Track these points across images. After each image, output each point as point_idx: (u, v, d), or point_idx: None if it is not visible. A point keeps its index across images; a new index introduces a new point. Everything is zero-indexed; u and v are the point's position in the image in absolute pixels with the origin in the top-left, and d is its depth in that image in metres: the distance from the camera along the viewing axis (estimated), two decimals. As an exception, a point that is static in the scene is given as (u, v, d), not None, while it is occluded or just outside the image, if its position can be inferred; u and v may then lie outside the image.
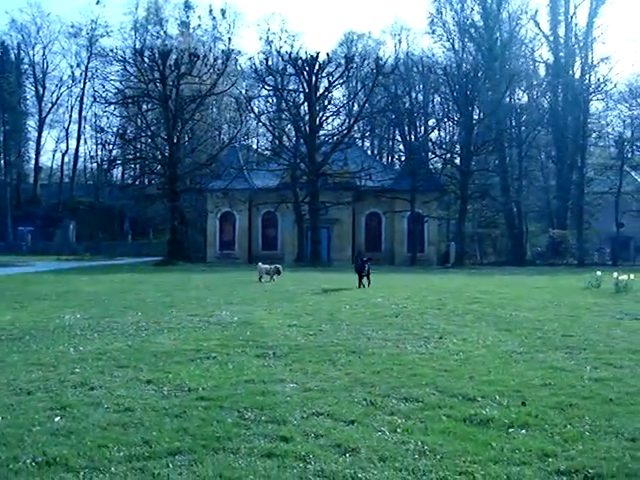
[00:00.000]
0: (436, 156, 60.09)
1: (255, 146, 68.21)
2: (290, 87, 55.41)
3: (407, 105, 56.88)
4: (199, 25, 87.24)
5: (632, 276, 21.62)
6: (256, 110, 57.87)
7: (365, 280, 23.19)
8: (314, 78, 51.19)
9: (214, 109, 64.75)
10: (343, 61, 53.53)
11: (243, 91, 59.54)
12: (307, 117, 52.10)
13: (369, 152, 66.39)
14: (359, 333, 11.77)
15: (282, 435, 5.87)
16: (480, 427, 6.14)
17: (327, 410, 6.65)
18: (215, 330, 12.17)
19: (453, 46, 62.55)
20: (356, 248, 51.09)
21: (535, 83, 62.69)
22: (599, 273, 22.96)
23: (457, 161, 56.99)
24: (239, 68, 65.23)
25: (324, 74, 51.83)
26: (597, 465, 5.10)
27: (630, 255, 56.08)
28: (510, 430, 6.02)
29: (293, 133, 55.76)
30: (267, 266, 26.73)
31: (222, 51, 62.35)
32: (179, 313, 14.79)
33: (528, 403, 6.90)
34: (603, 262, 51.12)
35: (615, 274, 21.57)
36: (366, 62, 57.73)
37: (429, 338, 11.25)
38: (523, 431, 6.00)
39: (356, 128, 61.10)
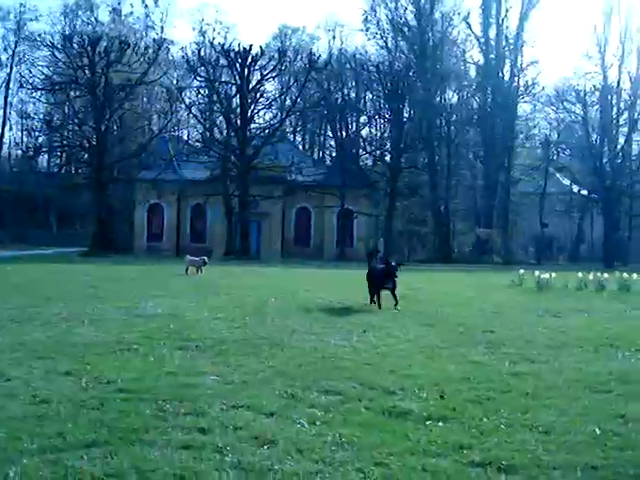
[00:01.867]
0: (366, 152, 60.50)
1: (185, 137, 67.35)
2: (222, 79, 54.99)
3: (339, 101, 57.08)
4: (131, 12, 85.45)
5: (554, 274, 22.16)
6: (187, 101, 57.27)
7: (380, 294, 15.36)
8: (247, 71, 51.01)
9: (144, 98, 63.76)
10: (276, 55, 53.45)
11: (174, 81, 58.76)
12: (239, 110, 51.87)
13: (300, 147, 66.37)
14: (284, 326, 11.76)
15: (200, 427, 5.81)
16: (398, 419, 6.19)
17: (247, 402, 6.61)
18: (138, 322, 11.98)
19: (386, 44, 62.91)
20: (364, 246, 50.08)
21: (465, 84, 63.59)
22: (522, 271, 23.47)
23: (387, 158, 57.50)
24: (171, 58, 64.30)
25: (257, 67, 51.71)
26: (511, 457, 5.19)
27: (553, 254, 57.63)
28: (428, 422, 6.09)
29: (224, 125, 55.38)
30: (195, 258, 26.17)
31: (154, 40, 61.25)
32: (103, 305, 14.51)
33: (447, 396, 7.00)
34: (527, 261, 52.27)
35: (537, 272, 22.11)
36: (299, 56, 57.74)
37: (353, 332, 11.31)
38: (441, 423, 6.07)
39: (288, 122, 61.12)
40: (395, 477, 4.74)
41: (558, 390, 7.42)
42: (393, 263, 15.94)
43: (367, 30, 63.62)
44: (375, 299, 15.28)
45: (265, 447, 5.36)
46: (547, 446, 5.48)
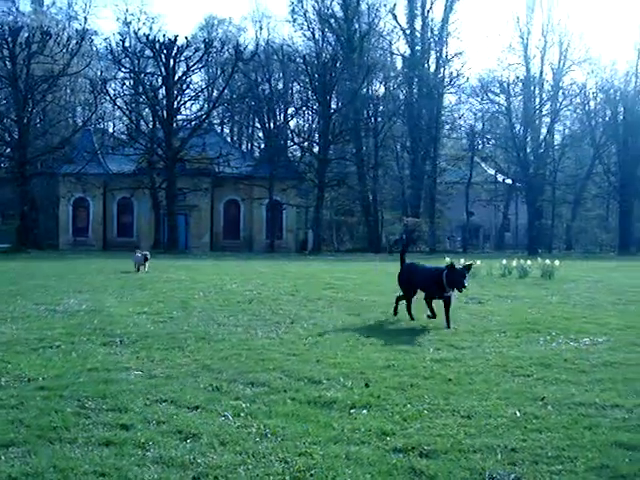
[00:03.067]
0: (295, 144, 60.51)
1: (111, 130, 66.18)
2: (148, 70, 54.22)
3: (266, 92, 56.84)
4: (53, 3, 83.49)
5: (479, 262, 22.51)
6: (112, 93, 56.17)
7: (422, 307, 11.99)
8: (172, 62, 50.49)
9: (67, 90, 62.19)
10: (202, 46, 52.93)
11: (98, 73, 57.56)
12: (165, 101, 51.24)
13: (228, 138, 65.80)
14: (210, 320, 11.67)
15: (122, 423, 5.73)
16: (323, 409, 6.22)
17: (171, 397, 6.55)
18: (61, 318, 11.73)
19: (313, 35, 62.96)
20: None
21: (392, 75, 64.11)
22: (448, 259, 23.75)
23: (315, 149, 57.60)
24: (94, 49, 62.95)
25: (182, 58, 51.26)
26: (433, 442, 5.27)
27: (479, 242, 58.72)
28: (352, 411, 6.13)
29: (150, 117, 54.69)
30: (137, 254, 24.52)
31: (77, 30, 59.87)
32: (24, 302, 14.14)
33: (371, 384, 7.06)
34: (454, 249, 53.18)
35: (462, 260, 22.40)
36: (226, 48, 57.27)
37: (280, 323, 11.31)
38: (365, 411, 6.13)
39: (215, 114, 60.62)
40: (318, 466, 4.76)
41: (480, 375, 7.56)
42: (464, 265, 11.86)
43: (294, 21, 63.61)
44: (413, 310, 11.85)
45: (188, 441, 5.32)
46: (468, 430, 5.59)
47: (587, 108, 62.19)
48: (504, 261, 22.97)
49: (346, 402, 6.38)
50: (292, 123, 61.36)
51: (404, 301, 12.24)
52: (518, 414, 6.02)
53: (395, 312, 12.20)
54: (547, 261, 22.41)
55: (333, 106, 56.70)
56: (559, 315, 12.64)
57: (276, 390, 6.87)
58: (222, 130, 65.68)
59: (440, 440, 5.31)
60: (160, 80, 51.88)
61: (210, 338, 9.83)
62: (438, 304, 11.54)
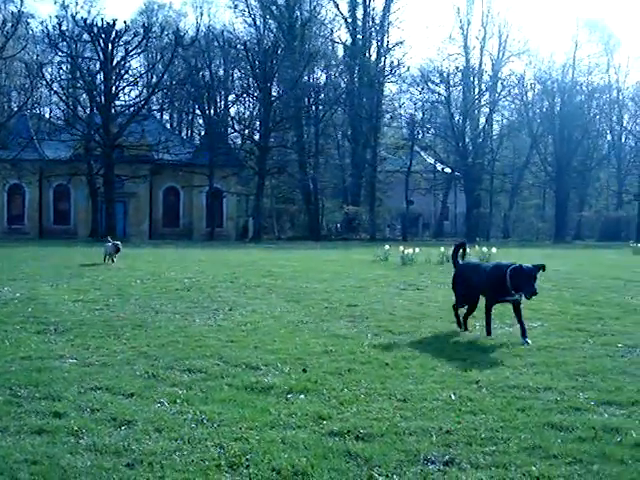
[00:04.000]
0: (235, 131, 60.16)
1: (47, 115, 64.75)
2: (85, 55, 53.21)
3: (207, 79, 56.29)
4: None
5: (417, 250, 22.81)
6: (48, 77, 54.94)
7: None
8: (110, 46, 49.53)
9: (2, 74, 60.63)
10: (142, 30, 52.12)
11: (34, 57, 56.22)
12: (102, 86, 50.32)
13: (167, 125, 65.09)
14: (147, 307, 11.55)
15: (55, 411, 5.62)
16: (260, 394, 6.20)
17: (106, 384, 6.45)
18: (-7, 307, 11.47)
19: (254, 22, 62.56)
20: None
21: (333, 63, 64.12)
22: (387, 247, 24.07)
23: (256, 137, 57.35)
24: (31, 32, 61.44)
25: (121, 43, 50.31)
26: (369, 425, 5.30)
27: (419, 230, 59.31)
28: (289, 396, 6.13)
29: (88, 103, 53.70)
30: (107, 244, 22.28)
31: (12, 13, 58.33)
32: (-45, 290, 13.79)
33: (309, 370, 7.07)
34: (394, 237, 53.57)
35: (401, 248, 22.70)
36: (165, 33, 56.53)
37: (218, 310, 11.27)
38: (302, 396, 6.13)
39: (154, 100, 59.71)
40: (254, 451, 4.74)
41: (417, 360, 7.63)
42: (528, 265, 9.24)
43: (235, 7, 63.12)
44: (462, 318, 9.77)
45: (123, 428, 5.25)
46: (404, 413, 5.64)
47: (525, 99, 63.26)
48: (442, 249, 23.24)
49: (283, 387, 6.38)
50: (233, 110, 61.02)
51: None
52: (453, 397, 6.10)
53: (460, 325, 9.70)
54: (484, 248, 22.77)
55: (274, 93, 56.47)
56: (495, 301, 12.82)
57: (213, 376, 6.83)
58: (161, 116, 64.85)
59: (376, 423, 5.34)
60: (98, 65, 50.93)
61: (147, 325, 9.73)
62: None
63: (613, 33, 76.83)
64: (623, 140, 69.18)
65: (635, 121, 67.64)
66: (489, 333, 9.22)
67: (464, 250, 10.79)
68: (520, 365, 7.42)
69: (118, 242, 22.44)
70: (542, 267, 9.43)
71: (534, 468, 4.46)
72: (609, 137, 69.39)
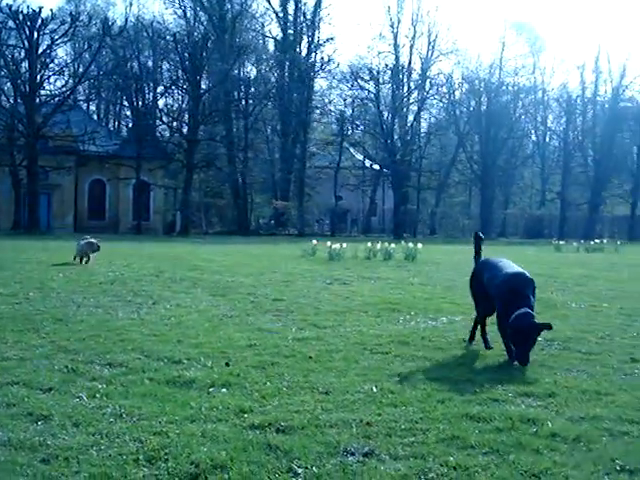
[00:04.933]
0: (163, 123, 59.50)
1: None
2: (10, 42, 51.75)
3: (135, 70, 55.48)
4: None
5: (345, 245, 22.97)
6: (-31, 65, 53.28)
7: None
8: (36, 34, 48.40)
9: None
10: (69, 19, 51.06)
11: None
12: (27, 75, 49.09)
13: (94, 116, 63.84)
14: (69, 301, 11.31)
15: (-32, 407, 5.46)
16: (182, 388, 6.13)
17: (23, 379, 6.28)
18: None
19: (185, 14, 61.86)
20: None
21: (264, 58, 63.93)
22: (315, 242, 24.12)
23: (184, 130, 56.79)
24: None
25: (47, 31, 49.29)
26: (290, 418, 5.29)
27: (347, 226, 59.66)
28: (211, 389, 6.08)
29: (11, 92, 52.26)
30: (93, 241, 19.20)
31: None
32: None
33: (232, 363, 7.02)
34: (322, 232, 53.78)
35: (329, 243, 22.83)
36: (93, 22, 55.45)
37: (142, 304, 11.10)
38: (224, 390, 6.09)
39: (80, 90, 58.64)
40: (173, 444, 4.68)
41: (340, 353, 7.67)
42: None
43: (166, -2, 62.22)
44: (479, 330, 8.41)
45: (39, 423, 5.11)
46: (325, 406, 5.65)
47: (452, 98, 64.25)
48: (369, 244, 23.49)
49: (205, 381, 6.32)
50: (161, 102, 60.32)
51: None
52: (375, 389, 6.14)
53: (482, 340, 8.25)
54: (410, 244, 23.06)
55: (203, 86, 56.03)
56: (419, 295, 13.04)
57: (134, 370, 6.72)
58: (88, 107, 63.55)
59: (297, 416, 5.34)
60: (23, 53, 49.73)
61: (68, 319, 9.52)
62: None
63: (539, 35, 78.56)
64: (547, 140, 71.03)
65: (559, 122, 69.52)
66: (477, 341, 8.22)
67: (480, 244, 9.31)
68: (441, 358, 7.54)
69: (93, 240, 19.17)
70: (548, 326, 7.36)
71: (452, 458, 4.52)
72: (534, 137, 71.14)
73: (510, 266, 8.12)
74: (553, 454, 4.66)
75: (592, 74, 68.20)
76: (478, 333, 8.39)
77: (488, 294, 8.10)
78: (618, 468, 4.42)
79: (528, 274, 7.74)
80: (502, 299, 7.64)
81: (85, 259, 18.63)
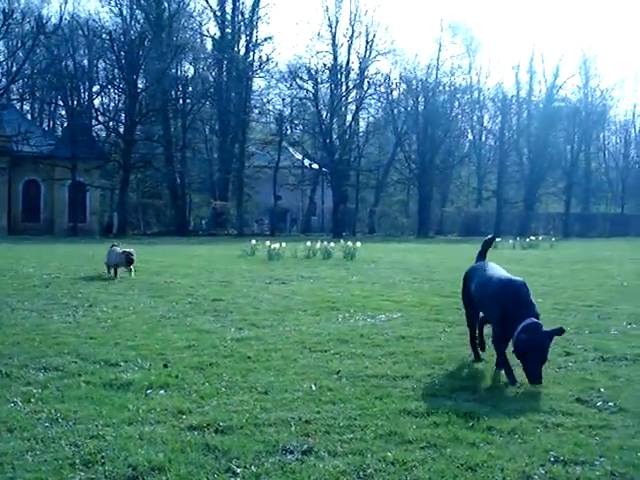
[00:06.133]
0: (99, 123, 58.46)
1: None
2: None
3: (70, 68, 54.44)
4: None
5: (284, 244, 22.99)
6: None
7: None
8: (-34, 32, 47.12)
9: None
10: (1, 16, 49.83)
11: None
12: (-43, 74, 47.83)
13: (28, 115, 62.38)
14: (3, 304, 11.08)
15: None
16: (119, 391, 6.07)
17: (-45, 385, 6.15)
18: None
19: (121, 12, 60.88)
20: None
21: (202, 56, 63.34)
22: (254, 242, 24.07)
23: (121, 129, 55.99)
24: None
25: (-22, 28, 47.96)
26: (228, 418, 5.29)
27: (287, 226, 59.61)
28: (149, 391, 6.04)
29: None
30: (129, 251, 16.37)
31: None
32: None
33: (170, 365, 6.99)
34: (262, 232, 53.64)
35: (268, 242, 22.81)
36: (27, 19, 54.26)
37: (78, 307, 10.95)
38: (162, 392, 6.05)
39: (14, 89, 57.35)
40: (109, 447, 4.64)
41: (279, 352, 7.69)
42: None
43: (102, -4, 61.29)
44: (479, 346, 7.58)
45: (-28, 430, 5.01)
46: (264, 405, 5.66)
47: (390, 97, 64.63)
48: (309, 243, 23.55)
49: (143, 383, 6.27)
50: (97, 101, 59.23)
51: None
52: (314, 387, 6.17)
53: (478, 352, 7.58)
54: (349, 243, 23.19)
55: (140, 85, 55.26)
56: (358, 294, 13.13)
57: (70, 374, 6.63)
58: (22, 106, 62.12)
59: (236, 416, 5.34)
60: (-48, 51, 48.42)
61: (1, 323, 9.34)
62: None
63: (475, 36, 79.41)
64: (483, 139, 72.07)
65: (495, 121, 70.59)
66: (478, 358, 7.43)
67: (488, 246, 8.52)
68: (380, 355, 7.61)
69: (131, 250, 16.40)
70: (560, 331, 6.59)
71: (389, 454, 4.57)
72: (470, 136, 72.06)
73: (504, 273, 7.30)
74: (489, 447, 4.76)
75: (527, 74, 69.48)
76: (488, 340, 7.45)
77: (474, 302, 7.49)
78: (552, 459, 4.54)
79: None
80: (498, 308, 6.76)
81: (117, 270, 16.00)
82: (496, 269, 7.41)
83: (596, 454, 4.63)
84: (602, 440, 4.92)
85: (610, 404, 5.78)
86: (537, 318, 6.47)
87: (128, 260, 15.94)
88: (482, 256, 8.19)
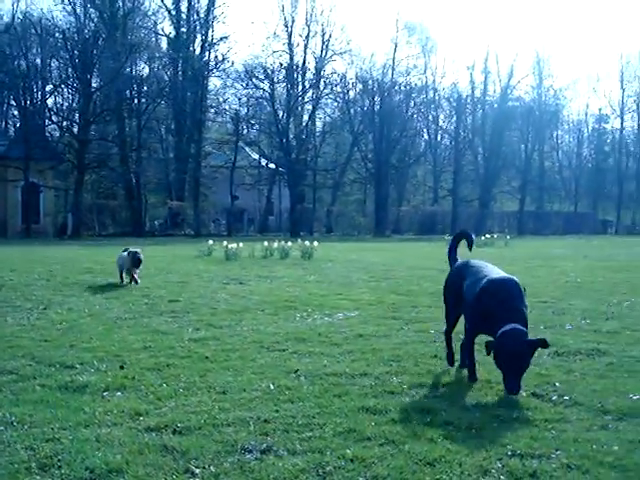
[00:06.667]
0: (53, 123, 57.63)
1: None
2: None
3: (23, 67, 53.60)
4: None
5: (241, 244, 22.92)
6: None
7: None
8: None
9: None
10: (-49, 15, 48.93)
11: None
12: None
13: (-20, 116, 61.37)
14: (-47, 307, 10.88)
15: None
16: (75, 394, 6.00)
17: None
18: None
19: (75, 10, 60.04)
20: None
21: (157, 56, 62.79)
22: (211, 242, 23.97)
23: (75, 129, 55.28)
24: None
25: None
26: (186, 419, 5.26)
27: (244, 226, 59.43)
28: (105, 394, 5.98)
29: None
30: (136, 250, 14.72)
31: None
32: None
33: (126, 366, 6.92)
34: (219, 233, 53.38)
35: (225, 242, 22.73)
36: (-22, 18, 53.34)
37: (32, 309, 10.79)
38: (119, 393, 6.00)
39: (-36, 89, 56.29)
40: (66, 451, 4.58)
41: (237, 352, 7.67)
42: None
43: (55, -6, 60.42)
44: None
45: None
46: (222, 405, 5.64)
47: (347, 97, 64.82)
48: (266, 243, 23.52)
49: (99, 385, 6.21)
50: (50, 101, 58.35)
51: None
52: (272, 387, 6.17)
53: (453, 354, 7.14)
54: (307, 243, 23.21)
55: (94, 85, 54.61)
56: (316, 293, 13.16)
57: (25, 377, 6.54)
58: (-29, 107, 61.08)
59: (194, 417, 5.31)
60: None
61: (-48, 327, 9.16)
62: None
63: (430, 36, 79.86)
64: (439, 138, 72.66)
65: (450, 120, 71.19)
66: (472, 377, 6.58)
67: (469, 244, 8.12)
68: (338, 353, 7.63)
69: (137, 250, 14.76)
70: (543, 343, 6.12)
71: (348, 451, 4.59)
72: (426, 135, 72.58)
73: (496, 271, 6.70)
74: (447, 442, 4.80)
75: (481, 74, 70.15)
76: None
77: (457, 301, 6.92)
78: (509, 453, 4.60)
79: (517, 280, 6.41)
80: (478, 311, 6.39)
81: (128, 276, 14.43)
82: (489, 268, 6.83)
83: (552, 447, 4.70)
84: (558, 433, 5.00)
85: (565, 398, 5.88)
86: (524, 324, 6.11)
87: (134, 260, 14.24)
88: (452, 258, 7.72)
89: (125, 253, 14.69)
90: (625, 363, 7.18)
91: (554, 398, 5.85)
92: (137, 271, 14.36)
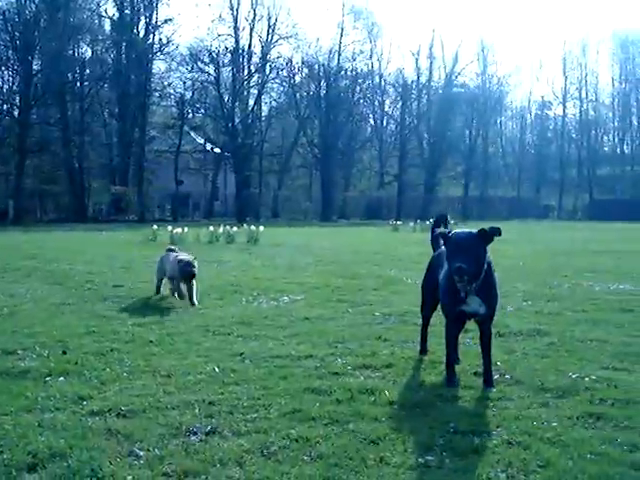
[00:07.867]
0: (-8, 106, 56.37)
1: None
2: None
3: (-40, 49, 52.28)
4: None
5: (187, 229, 22.79)
6: None
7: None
8: None
9: None
10: None
11: None
12: None
13: None
14: None
15: None
16: (17, 379, 5.92)
17: None
18: None
19: (14, -9, 58.76)
20: None
21: (100, 38, 61.67)
22: (155, 227, 23.77)
23: (15, 112, 54.09)
24: None
25: None
26: (131, 402, 5.22)
27: (189, 211, 59.03)
28: (48, 379, 5.91)
29: None
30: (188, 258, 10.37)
31: None
32: None
33: (69, 351, 6.84)
34: (164, 218, 52.92)
35: (170, 227, 22.57)
36: None
37: (-28, 295, 10.58)
38: (61, 378, 5.93)
39: None
40: (8, 436, 4.52)
41: (182, 336, 7.64)
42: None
43: (-9, -25, 58.79)
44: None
45: None
46: (167, 388, 5.62)
47: (293, 82, 64.69)
48: (212, 228, 23.41)
49: (42, 371, 6.13)
50: (-11, 84, 57.04)
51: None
52: (217, 370, 6.17)
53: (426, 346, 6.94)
54: (253, 227, 23.19)
55: (35, 67, 53.48)
56: (262, 277, 13.17)
57: (-36, 364, 6.42)
58: None
59: (138, 400, 5.28)
60: None
61: None
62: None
63: (376, 21, 79.90)
64: (384, 124, 73.05)
65: (395, 106, 71.59)
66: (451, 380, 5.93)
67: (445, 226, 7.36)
68: (283, 336, 7.66)
69: (190, 258, 10.36)
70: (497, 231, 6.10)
71: (293, 431, 4.62)
72: (372, 121, 72.94)
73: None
74: (391, 421, 4.87)
75: (427, 60, 70.70)
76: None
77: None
78: (452, 430, 4.68)
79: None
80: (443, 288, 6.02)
81: (178, 291, 10.28)
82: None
83: (493, 424, 4.81)
84: (499, 411, 5.10)
85: (507, 377, 6.01)
86: None
87: (184, 272, 10.02)
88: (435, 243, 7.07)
89: (171, 256, 10.72)
90: (565, 343, 7.35)
91: (496, 377, 5.96)
92: (192, 284, 10.09)
